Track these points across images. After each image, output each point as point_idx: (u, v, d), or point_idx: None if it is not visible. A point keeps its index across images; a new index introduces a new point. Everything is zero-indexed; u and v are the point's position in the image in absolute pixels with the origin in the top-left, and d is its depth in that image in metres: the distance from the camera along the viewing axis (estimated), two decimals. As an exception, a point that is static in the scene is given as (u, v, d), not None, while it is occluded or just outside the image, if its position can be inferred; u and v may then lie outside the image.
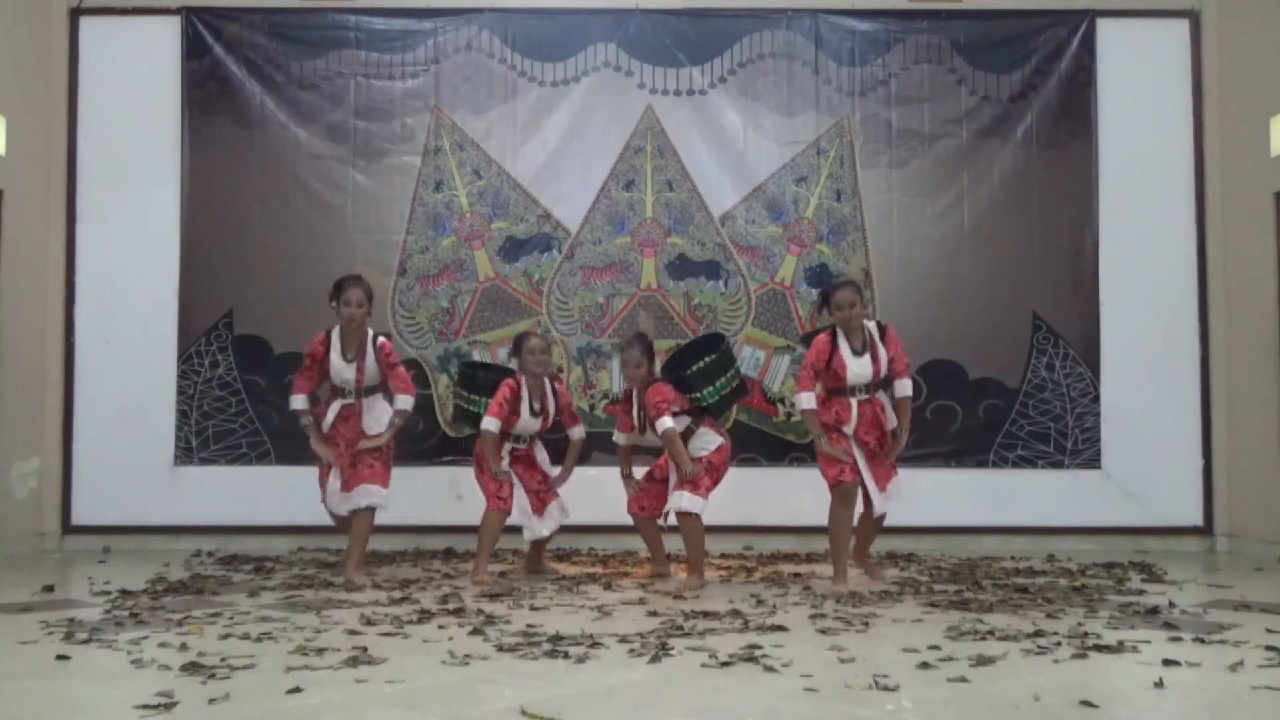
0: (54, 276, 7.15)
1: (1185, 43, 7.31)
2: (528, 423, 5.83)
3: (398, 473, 6.27)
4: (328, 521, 6.11)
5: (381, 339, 5.85)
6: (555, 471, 6.00)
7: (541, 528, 5.86)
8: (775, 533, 7.01)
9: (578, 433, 6.05)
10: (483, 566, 5.68)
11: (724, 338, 6.37)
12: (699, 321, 7.18)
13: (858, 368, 5.44)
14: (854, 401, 5.45)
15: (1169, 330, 7.21)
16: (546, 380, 5.94)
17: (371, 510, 5.71)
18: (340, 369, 5.74)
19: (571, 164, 7.32)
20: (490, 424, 5.72)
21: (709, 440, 5.74)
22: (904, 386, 5.54)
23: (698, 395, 5.75)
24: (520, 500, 5.83)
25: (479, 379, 6.07)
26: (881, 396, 5.54)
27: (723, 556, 6.58)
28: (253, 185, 7.25)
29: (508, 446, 5.87)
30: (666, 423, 5.60)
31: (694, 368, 5.77)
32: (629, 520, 6.02)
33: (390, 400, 5.83)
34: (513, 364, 6.02)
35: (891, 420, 5.56)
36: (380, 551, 6.67)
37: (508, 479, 5.79)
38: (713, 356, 5.80)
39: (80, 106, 7.21)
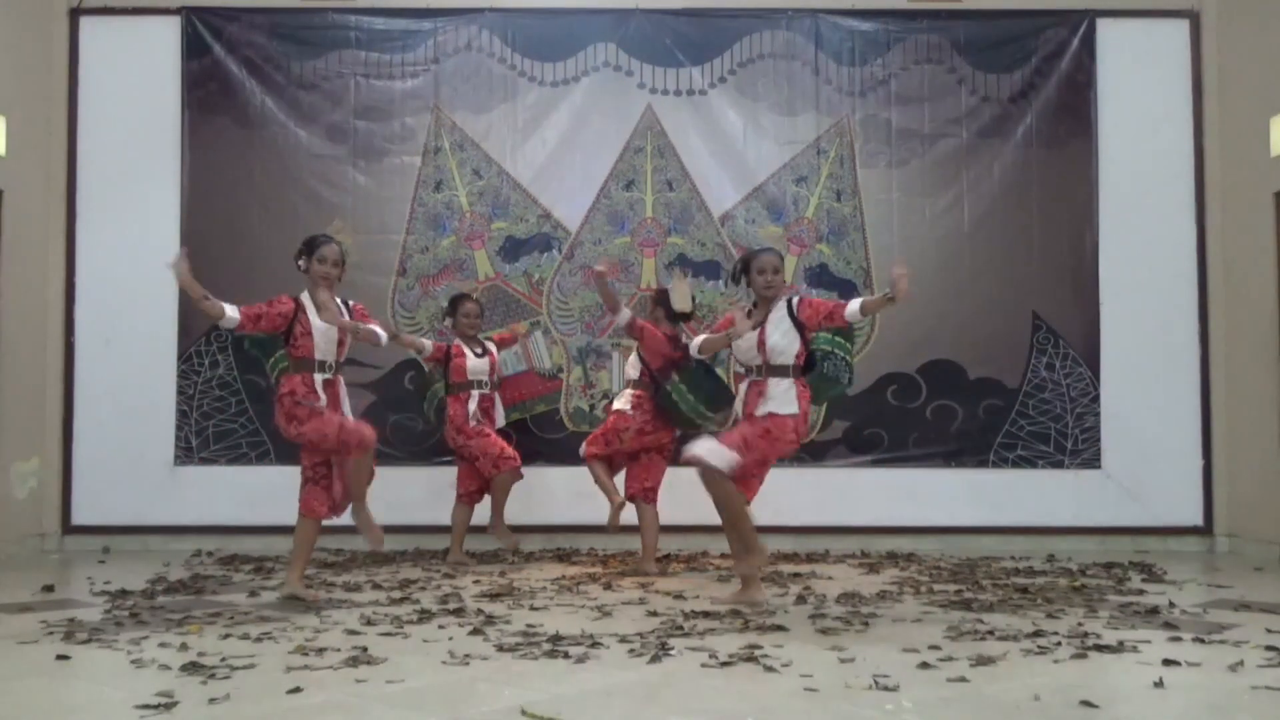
0: (54, 276, 7.15)
1: (1185, 43, 7.30)
2: (475, 364, 6.43)
3: (399, 472, 6.26)
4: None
5: (351, 301, 5.39)
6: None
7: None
8: (775, 532, 7.00)
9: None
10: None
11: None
12: (700, 322, 7.17)
13: (744, 343, 4.99)
14: (743, 386, 5.07)
15: (1169, 330, 7.21)
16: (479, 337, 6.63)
17: None
18: (325, 332, 5.10)
19: (571, 164, 7.32)
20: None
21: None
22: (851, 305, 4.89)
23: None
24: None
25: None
26: (778, 383, 4.92)
27: (723, 557, 6.57)
28: (253, 185, 7.24)
29: (475, 394, 6.40)
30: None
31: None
32: (627, 520, 6.02)
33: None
34: (446, 323, 6.61)
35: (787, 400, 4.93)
36: (380, 551, 6.66)
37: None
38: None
39: (80, 106, 7.21)
